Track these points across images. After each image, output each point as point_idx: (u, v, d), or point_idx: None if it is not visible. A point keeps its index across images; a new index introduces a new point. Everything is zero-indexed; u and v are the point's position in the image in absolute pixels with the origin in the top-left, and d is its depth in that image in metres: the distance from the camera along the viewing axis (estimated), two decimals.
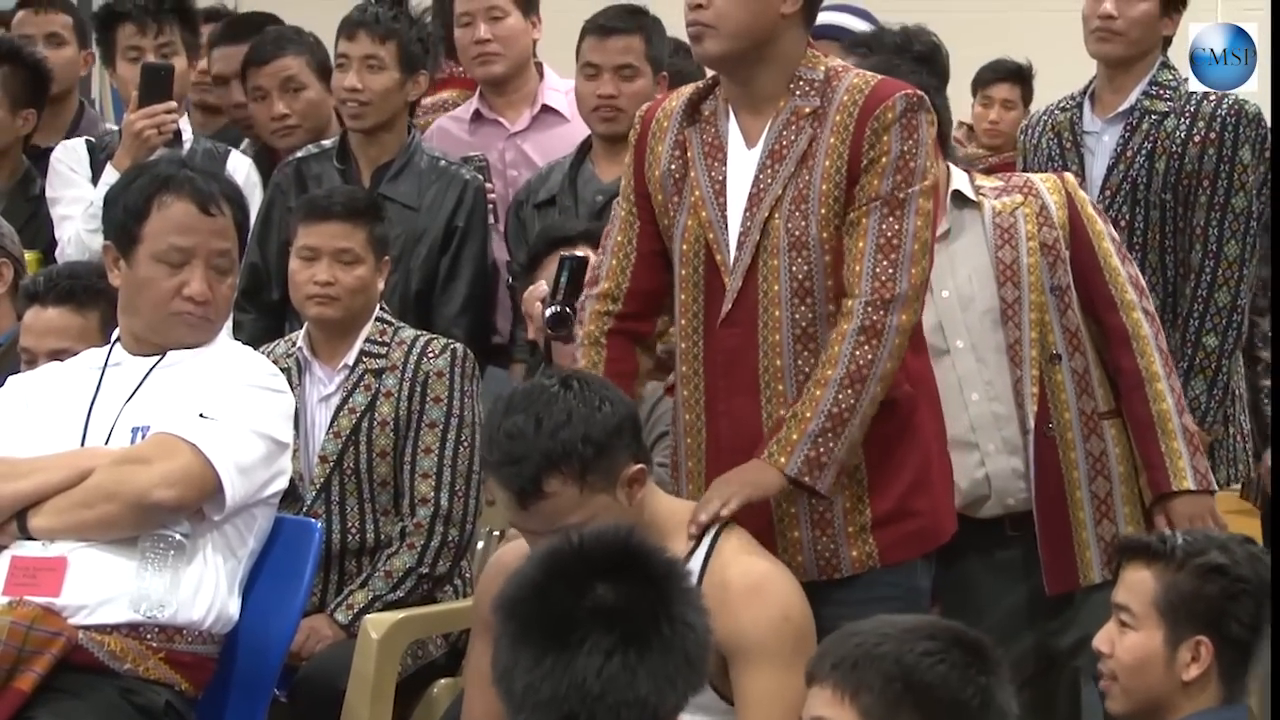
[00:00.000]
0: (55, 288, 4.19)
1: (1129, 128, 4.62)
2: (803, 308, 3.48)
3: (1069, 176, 4.04)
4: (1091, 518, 3.84)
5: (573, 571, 2.45)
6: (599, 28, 4.89)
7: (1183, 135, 4.57)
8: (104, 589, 3.55)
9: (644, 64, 4.82)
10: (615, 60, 4.80)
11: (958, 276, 3.84)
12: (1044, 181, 3.95)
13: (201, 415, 3.64)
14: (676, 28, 4.19)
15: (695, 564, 3.30)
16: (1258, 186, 4.57)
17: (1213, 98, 4.64)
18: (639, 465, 3.28)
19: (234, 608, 3.67)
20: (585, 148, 4.86)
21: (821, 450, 3.39)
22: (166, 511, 3.58)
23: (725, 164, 3.54)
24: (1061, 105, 4.81)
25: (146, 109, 4.88)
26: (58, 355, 3.98)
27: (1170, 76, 4.68)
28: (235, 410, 3.67)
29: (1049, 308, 3.83)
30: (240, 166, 5.07)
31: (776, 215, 3.48)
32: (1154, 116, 4.62)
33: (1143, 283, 3.99)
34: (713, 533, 3.33)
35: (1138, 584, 3.23)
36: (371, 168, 4.87)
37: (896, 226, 3.43)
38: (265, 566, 3.77)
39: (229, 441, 3.63)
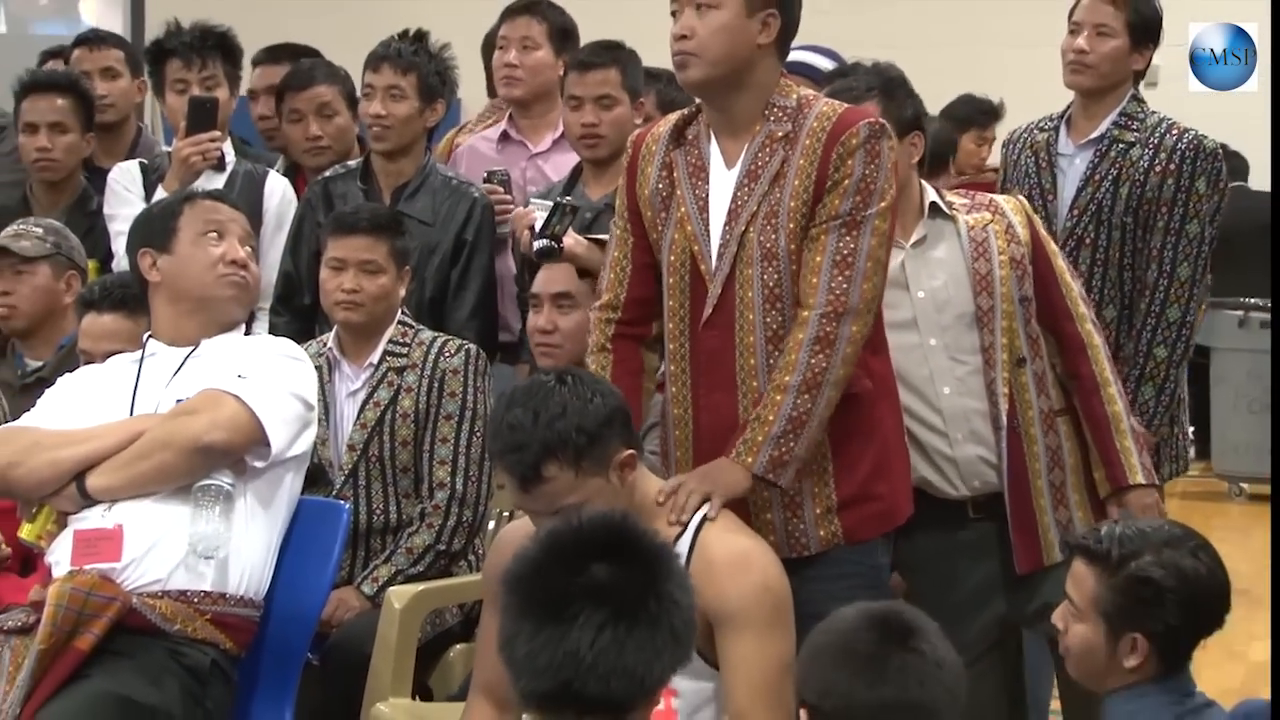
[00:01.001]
0: (109, 296, 4.24)
1: (1098, 154, 4.61)
2: (774, 312, 3.51)
3: (1024, 200, 4.09)
4: (1050, 504, 3.87)
5: (570, 552, 2.46)
6: (579, 64, 4.92)
7: (1145, 164, 4.56)
8: (160, 537, 3.59)
9: (621, 93, 4.82)
10: (595, 92, 4.80)
11: (934, 281, 3.86)
12: (1007, 202, 3.99)
13: (240, 376, 3.69)
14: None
15: (685, 541, 3.34)
16: (1211, 214, 4.58)
17: (1175, 131, 4.59)
18: (629, 451, 3.31)
19: (269, 568, 3.72)
20: (576, 172, 4.88)
21: (783, 450, 3.44)
22: (218, 453, 3.62)
23: (707, 183, 3.58)
24: (1041, 125, 4.82)
25: (193, 137, 4.94)
26: (113, 356, 4.01)
27: (1139, 109, 4.67)
28: (269, 372, 3.74)
29: (1016, 316, 3.85)
30: (277, 187, 5.12)
31: (751, 229, 3.51)
32: (1121, 145, 4.61)
33: (1087, 297, 4.05)
34: (700, 514, 3.38)
35: (1082, 580, 3.26)
36: (391, 187, 4.88)
37: (852, 245, 3.47)
38: (299, 543, 3.80)
39: (267, 394, 3.68)
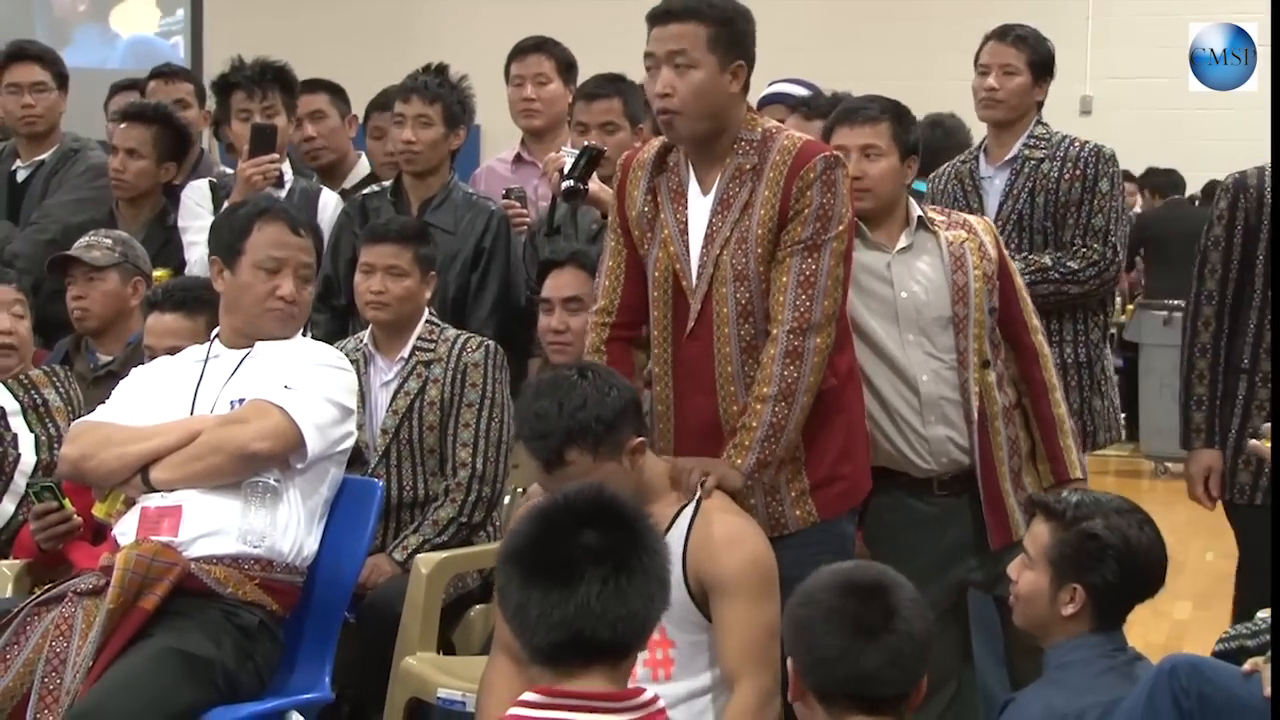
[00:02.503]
0: (171, 297, 4.24)
1: (1014, 172, 4.74)
2: (747, 325, 3.54)
3: (992, 223, 4.13)
4: (1011, 486, 3.91)
5: (562, 522, 2.47)
6: (586, 94, 4.92)
7: (1056, 174, 4.70)
8: (214, 525, 3.60)
9: (623, 120, 4.82)
10: (600, 119, 4.81)
11: (915, 285, 3.88)
12: (979, 224, 4.02)
13: (286, 387, 3.69)
14: None
15: (685, 518, 3.38)
16: (1116, 213, 4.70)
17: (1077, 144, 4.74)
18: (640, 439, 3.35)
19: (312, 545, 3.72)
20: None
21: (766, 453, 3.48)
22: (262, 460, 3.63)
23: (687, 207, 3.59)
24: (962, 158, 4.91)
25: (254, 159, 4.93)
26: (172, 351, 4.03)
27: (1044, 131, 4.80)
28: (311, 383, 3.73)
29: (985, 324, 3.89)
30: (329, 201, 5.11)
31: (724, 253, 3.53)
32: (1033, 162, 4.73)
33: (1037, 310, 4.09)
34: (699, 496, 3.41)
35: (1038, 534, 3.30)
36: (419, 201, 4.86)
37: (814, 266, 3.49)
38: (339, 516, 3.80)
39: (308, 405, 3.68)
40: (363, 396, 4.36)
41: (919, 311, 3.86)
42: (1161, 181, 9.65)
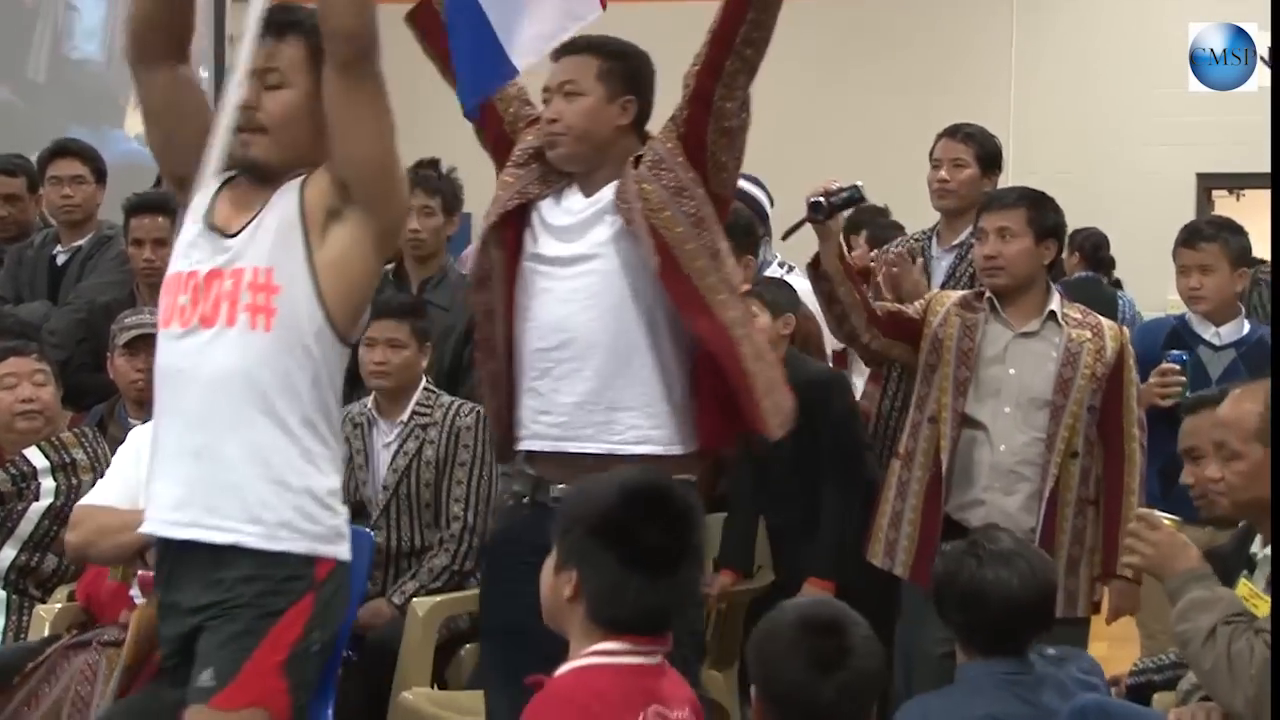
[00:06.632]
0: None
1: (959, 256, 4.60)
2: None
3: (1126, 330, 4.02)
4: (1065, 570, 3.80)
5: (661, 511, 2.41)
6: None
7: None
8: None
9: None
10: None
11: (1024, 365, 3.86)
12: (1109, 329, 3.94)
13: None
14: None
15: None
16: None
17: None
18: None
19: None
20: None
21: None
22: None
23: None
24: (915, 237, 4.80)
25: None
26: None
27: None
28: None
29: (1081, 419, 3.83)
30: None
31: None
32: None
33: (1144, 423, 3.94)
34: None
35: None
36: (419, 281, 4.75)
37: None
38: None
39: None
40: (366, 456, 4.27)
41: (1021, 390, 3.83)
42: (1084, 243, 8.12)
